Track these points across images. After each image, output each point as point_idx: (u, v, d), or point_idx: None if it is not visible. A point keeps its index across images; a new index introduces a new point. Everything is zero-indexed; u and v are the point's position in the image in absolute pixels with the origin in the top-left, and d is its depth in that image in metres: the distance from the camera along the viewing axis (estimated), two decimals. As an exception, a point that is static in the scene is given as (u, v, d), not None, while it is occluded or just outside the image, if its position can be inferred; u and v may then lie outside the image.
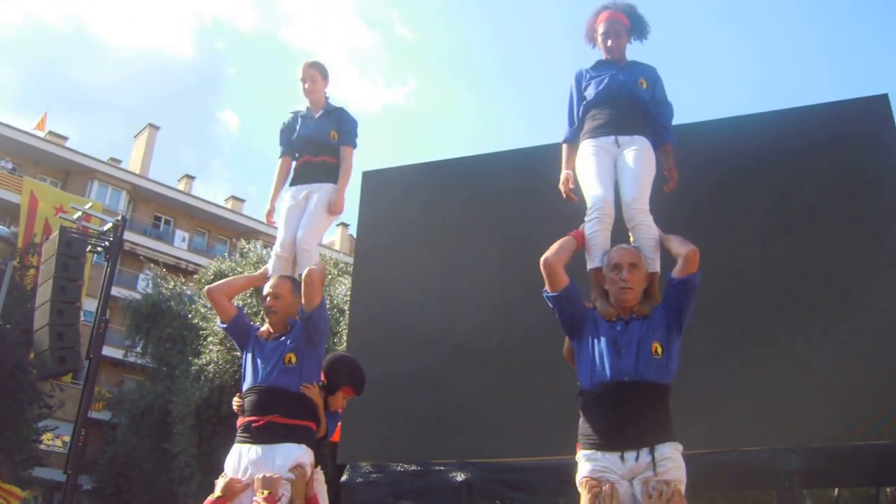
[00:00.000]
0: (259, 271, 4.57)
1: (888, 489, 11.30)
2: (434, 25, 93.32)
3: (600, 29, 4.17)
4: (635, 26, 4.18)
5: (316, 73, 4.88)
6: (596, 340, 3.48)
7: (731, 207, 7.93)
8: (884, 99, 7.93)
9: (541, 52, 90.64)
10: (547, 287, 3.61)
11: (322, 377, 4.23)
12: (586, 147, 4.13)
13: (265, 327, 4.13)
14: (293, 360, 3.89)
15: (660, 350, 3.39)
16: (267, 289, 4.08)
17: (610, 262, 3.59)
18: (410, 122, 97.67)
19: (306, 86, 4.87)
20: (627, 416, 3.29)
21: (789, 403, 7.11)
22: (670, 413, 3.43)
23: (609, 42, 4.15)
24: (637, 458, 3.21)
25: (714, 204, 7.81)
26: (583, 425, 3.46)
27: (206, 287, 4.34)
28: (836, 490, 10.64)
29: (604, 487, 3.17)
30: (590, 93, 4.18)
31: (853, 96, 8.30)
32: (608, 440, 3.30)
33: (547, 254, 3.62)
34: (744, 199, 7.96)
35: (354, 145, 4.83)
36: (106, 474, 23.91)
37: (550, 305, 3.65)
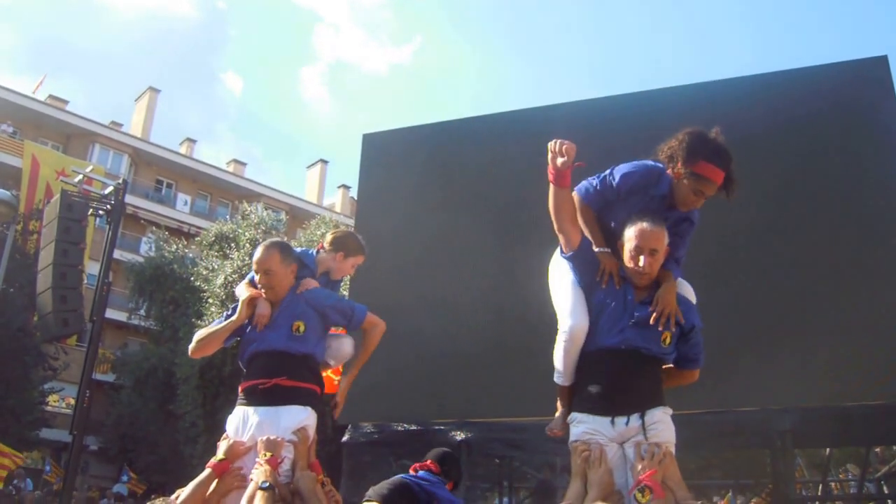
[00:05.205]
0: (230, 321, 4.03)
1: (877, 449, 11.47)
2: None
3: (692, 181, 3.39)
4: (723, 184, 3.46)
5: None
6: (605, 305, 3.42)
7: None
8: (883, 61, 7.86)
9: (552, 9, 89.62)
10: (562, 247, 3.53)
11: (437, 467, 4.49)
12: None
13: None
14: (301, 328, 3.84)
15: (668, 341, 3.36)
16: (256, 266, 3.92)
17: (629, 238, 3.38)
18: (417, 81, 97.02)
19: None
20: (621, 384, 3.29)
21: (783, 365, 7.19)
22: (662, 380, 3.45)
23: (692, 201, 3.46)
24: (627, 423, 3.24)
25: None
26: (577, 387, 3.48)
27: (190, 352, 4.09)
28: (828, 450, 10.77)
29: (593, 451, 3.21)
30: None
31: (852, 58, 8.21)
32: (600, 405, 3.32)
33: (555, 218, 3.45)
34: (738, 163, 7.93)
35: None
36: (112, 435, 24.22)
37: (568, 265, 3.56)
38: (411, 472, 4.57)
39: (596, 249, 3.50)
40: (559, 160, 3.33)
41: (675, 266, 3.53)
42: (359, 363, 4.17)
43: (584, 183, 3.59)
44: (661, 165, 3.56)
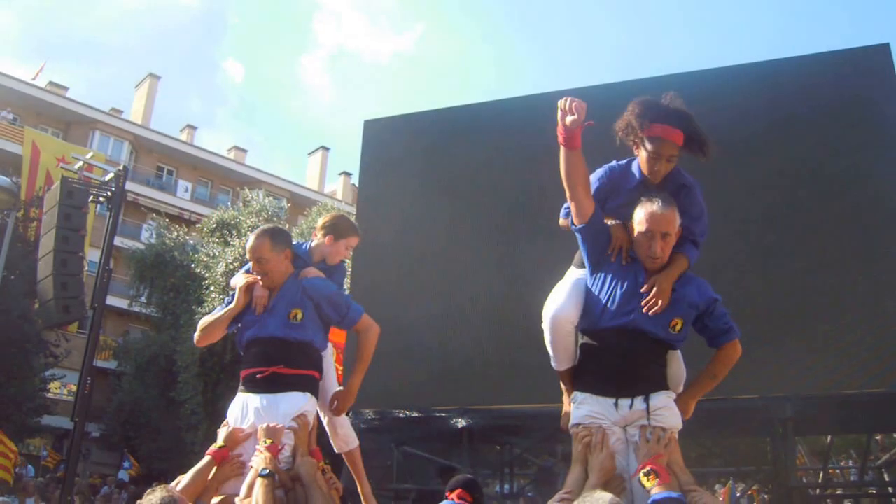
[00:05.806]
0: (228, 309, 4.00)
1: (878, 436, 11.47)
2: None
3: (648, 145, 3.33)
4: (688, 144, 3.36)
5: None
6: (614, 284, 3.33)
7: (728, 158, 7.85)
8: (884, 49, 7.83)
9: None
10: (573, 219, 3.38)
11: (470, 497, 4.50)
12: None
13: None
14: (299, 316, 3.80)
15: (678, 327, 3.29)
16: (249, 254, 3.89)
17: (640, 221, 3.27)
18: (419, 69, 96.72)
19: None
20: (626, 366, 3.25)
21: (784, 352, 7.18)
22: (666, 364, 3.40)
23: (656, 167, 3.36)
24: (631, 406, 3.20)
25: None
26: (580, 367, 3.44)
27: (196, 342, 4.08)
28: (829, 437, 10.78)
29: (595, 435, 3.17)
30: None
31: (853, 46, 8.19)
32: (604, 387, 3.28)
33: (566, 185, 3.29)
34: (741, 150, 7.90)
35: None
36: (113, 422, 24.28)
37: (578, 238, 3.45)
38: (451, 498, 4.58)
39: (608, 222, 3.41)
40: (569, 118, 3.13)
41: (691, 247, 3.42)
42: (358, 371, 3.98)
43: None
44: (622, 162, 3.51)
